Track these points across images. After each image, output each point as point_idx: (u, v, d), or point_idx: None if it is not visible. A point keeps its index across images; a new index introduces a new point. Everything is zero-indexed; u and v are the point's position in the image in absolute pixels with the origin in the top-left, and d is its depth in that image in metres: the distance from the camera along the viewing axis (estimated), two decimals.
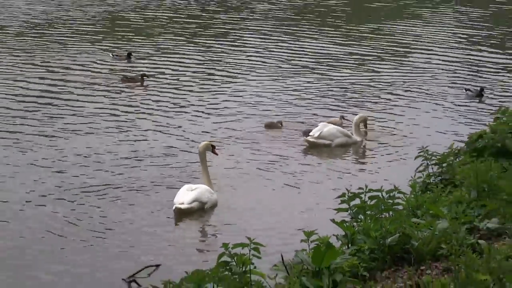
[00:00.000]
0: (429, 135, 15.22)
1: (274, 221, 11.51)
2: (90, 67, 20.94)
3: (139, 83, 19.07)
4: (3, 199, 12.91)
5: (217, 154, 13.26)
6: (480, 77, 19.76)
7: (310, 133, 15.14)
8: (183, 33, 25.03)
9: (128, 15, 27.67)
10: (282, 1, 29.40)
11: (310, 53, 22.68)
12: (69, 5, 28.86)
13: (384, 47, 23.72)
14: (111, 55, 21.17)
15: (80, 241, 11.44)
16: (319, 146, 15.00)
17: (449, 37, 25.64)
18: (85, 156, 14.80)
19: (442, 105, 18.05)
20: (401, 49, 23.63)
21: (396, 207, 10.34)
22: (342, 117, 15.68)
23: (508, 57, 22.35)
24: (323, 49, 23.13)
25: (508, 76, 20.11)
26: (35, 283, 10.35)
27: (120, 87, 18.87)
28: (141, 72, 19.49)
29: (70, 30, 25.74)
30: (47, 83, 19.59)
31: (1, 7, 28.30)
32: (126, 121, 16.69)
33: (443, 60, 22.34)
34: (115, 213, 12.42)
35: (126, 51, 21.16)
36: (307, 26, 26.08)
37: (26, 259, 11.02)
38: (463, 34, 25.74)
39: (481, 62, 21.76)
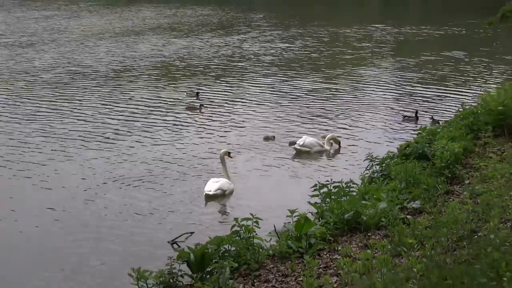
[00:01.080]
0: (374, 145, 15.23)
1: (270, 203, 11.57)
2: (166, 100, 20.82)
3: (198, 110, 18.96)
4: (93, 183, 13.05)
5: (231, 157, 13.35)
6: (413, 105, 19.71)
7: (296, 143, 15.05)
8: (216, 75, 25.00)
9: (178, 63, 27.60)
10: (282, 55, 29.40)
11: (298, 89, 22.64)
12: (137, 56, 28.76)
13: (348, 84, 23.79)
14: (185, 94, 20.67)
15: (136, 216, 11.53)
16: (302, 153, 14.92)
17: (393, 77, 25.71)
18: (150, 158, 14.78)
19: (384, 124, 18.15)
20: (359, 86, 23.64)
21: (351, 193, 10.37)
22: (333, 139, 15.69)
23: (433, 90, 22.38)
24: (307, 86, 23.08)
25: (432, 105, 20.08)
26: (114, 242, 10.44)
27: (186, 113, 18.82)
28: (200, 103, 19.36)
29: (146, 73, 25.63)
30: (131, 110, 19.60)
31: (90, 57, 28.20)
32: (184, 135, 16.76)
33: (387, 94, 22.44)
34: (163, 197, 12.49)
35: (196, 90, 20.85)
36: (297, 70, 26.14)
37: (101, 226, 11.14)
38: (402, 75, 25.76)
39: (414, 94, 21.82)
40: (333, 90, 22.71)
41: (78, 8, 51.08)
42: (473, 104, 16.15)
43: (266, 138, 15.99)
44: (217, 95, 21.02)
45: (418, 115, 17.93)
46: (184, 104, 19.79)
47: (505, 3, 18.86)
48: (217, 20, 44.55)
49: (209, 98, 20.80)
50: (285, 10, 54.52)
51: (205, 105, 19.38)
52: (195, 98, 19.95)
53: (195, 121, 18.11)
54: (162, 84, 23.67)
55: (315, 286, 7.33)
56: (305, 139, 15.10)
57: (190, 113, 18.90)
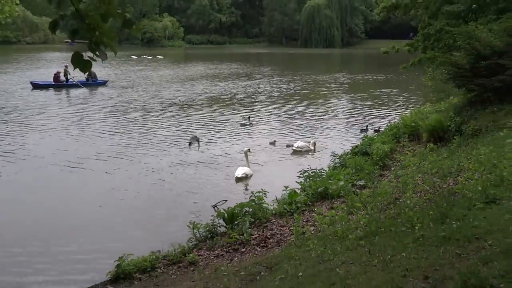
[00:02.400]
0: (339, 147, 15.12)
1: (273, 182, 11.44)
2: (216, 119, 20.49)
3: (248, 125, 18.65)
4: (166, 167, 12.96)
5: (251, 152, 13.32)
6: (365, 122, 19.54)
7: (292, 146, 14.88)
8: (244, 104, 24.47)
9: (222, 97, 27.22)
10: (283, 91, 29.16)
11: (293, 111, 22.42)
12: (195, 93, 28.46)
13: (324, 109, 23.56)
14: (241, 118, 19.86)
15: (191, 189, 11.50)
16: (296, 152, 14.71)
17: (351, 104, 25.44)
18: (204, 153, 14.72)
19: (346, 133, 18.02)
20: (331, 109, 23.44)
21: (322, 176, 10.41)
22: (315, 143, 15.19)
23: (376, 112, 22.20)
24: (298, 109, 22.84)
25: (376, 122, 19.79)
26: (177, 206, 10.33)
27: (240, 128, 18.50)
28: (250, 122, 18.96)
29: (202, 103, 25.07)
30: (194, 125, 19.33)
31: (167, 93, 27.74)
32: (234, 140, 16.58)
33: (348, 115, 22.26)
34: (209, 177, 12.46)
35: (248, 115, 20.14)
36: (292, 100, 25.84)
37: (170, 195, 11.06)
38: (357, 103, 25.48)
39: (365, 115, 21.59)
40: (315, 112, 22.59)
41: (157, 64, 51.37)
42: (397, 121, 16.10)
43: (271, 143, 15.86)
44: (244, 116, 20.88)
45: (368, 128, 17.79)
46: (238, 122, 19.48)
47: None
48: (242, 71, 44.53)
49: (237, 118, 20.66)
50: (283, 65, 54.48)
51: (252, 124, 19.02)
52: (248, 119, 19.45)
53: (236, 133, 17.86)
54: (212, 109, 23.44)
55: (300, 232, 7.37)
56: (298, 143, 14.98)
57: (243, 127, 18.57)
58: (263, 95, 28.35)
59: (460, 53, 11.12)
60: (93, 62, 2.84)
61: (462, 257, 4.02)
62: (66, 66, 30.84)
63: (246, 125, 18.99)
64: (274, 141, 16.03)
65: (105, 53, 2.76)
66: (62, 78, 30.17)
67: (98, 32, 2.66)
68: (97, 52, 2.73)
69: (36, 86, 29.48)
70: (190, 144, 15.91)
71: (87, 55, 2.76)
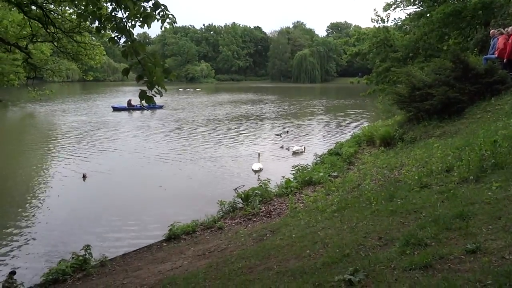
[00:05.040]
0: (319, 149, 14.64)
1: (276, 173, 11.19)
2: (247, 130, 19.37)
3: (280, 135, 17.68)
4: (202, 161, 12.60)
5: (261, 154, 13.09)
6: (339, 132, 19.02)
7: (293, 149, 14.53)
8: (258, 120, 23.46)
9: (243, 115, 26.06)
10: (284, 112, 28.23)
11: (291, 124, 21.86)
12: (226, 112, 27.80)
13: (313, 122, 22.94)
14: (282, 131, 18.44)
15: (219, 176, 11.30)
16: (295, 153, 14.27)
17: (332, 119, 24.36)
18: (233, 152, 14.32)
19: (326, 140, 17.42)
20: (317, 123, 22.74)
21: (307, 169, 10.15)
22: (304, 147, 14.67)
23: (348, 126, 21.29)
24: (295, 123, 22.31)
25: (349, 131, 18.81)
26: (208, 188, 10.01)
27: (274, 136, 17.64)
28: (282, 133, 17.92)
29: (232, 119, 24.10)
30: (228, 134, 18.62)
31: (207, 112, 26.98)
32: (255, 143, 15.93)
33: (330, 127, 21.44)
34: (233, 169, 12.23)
35: (286, 129, 18.83)
36: (292, 118, 25.07)
37: (204, 181, 10.74)
38: (335, 120, 24.63)
39: (341, 128, 20.87)
40: (307, 124, 22.22)
41: (197, 94, 51.43)
42: (358, 131, 15.82)
43: (280, 147, 15.43)
44: (258, 129, 20.39)
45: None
46: (273, 133, 18.61)
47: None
48: (256, 98, 44.26)
49: (252, 131, 20.09)
50: (282, 94, 53.91)
51: (287, 135, 17.96)
52: (286, 132, 18.45)
53: (256, 138, 17.19)
54: (239, 123, 22.89)
55: (293, 207, 7.29)
56: (295, 147, 14.63)
57: (277, 136, 17.71)
58: (272, 114, 28.00)
59: (401, 85, 11.02)
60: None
61: (404, 224, 3.96)
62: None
63: (278, 135, 18.03)
64: (282, 146, 15.63)
65: (160, 91, 2.83)
66: (133, 103, 30.83)
67: (155, 76, 2.69)
68: (155, 90, 2.79)
69: (115, 108, 30.17)
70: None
71: (150, 92, 2.80)
